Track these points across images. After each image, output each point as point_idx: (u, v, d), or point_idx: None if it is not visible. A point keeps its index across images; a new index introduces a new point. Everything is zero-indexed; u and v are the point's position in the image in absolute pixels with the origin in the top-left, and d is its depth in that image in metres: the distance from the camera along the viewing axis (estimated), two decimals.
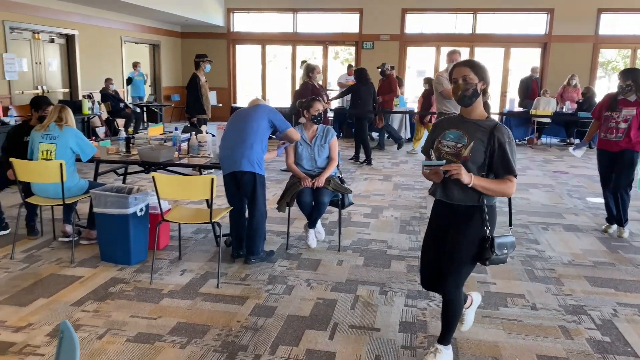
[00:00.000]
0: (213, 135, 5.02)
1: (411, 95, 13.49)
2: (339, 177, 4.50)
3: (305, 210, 4.29)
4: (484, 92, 2.48)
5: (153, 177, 3.61)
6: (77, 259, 4.09)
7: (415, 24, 13.45)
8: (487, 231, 2.49)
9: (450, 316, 2.64)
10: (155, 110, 11.76)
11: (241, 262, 4.10)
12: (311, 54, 14.50)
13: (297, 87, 8.64)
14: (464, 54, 10.73)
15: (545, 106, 10.64)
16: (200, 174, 4.59)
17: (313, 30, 13.91)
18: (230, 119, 4.12)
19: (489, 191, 2.42)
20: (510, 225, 2.71)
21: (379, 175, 7.67)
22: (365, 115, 8.54)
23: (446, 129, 2.56)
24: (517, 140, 10.77)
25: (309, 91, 6.86)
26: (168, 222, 3.79)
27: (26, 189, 4.25)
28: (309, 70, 7.16)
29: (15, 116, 7.63)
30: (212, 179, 3.57)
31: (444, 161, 2.40)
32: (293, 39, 14.08)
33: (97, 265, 3.99)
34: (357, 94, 8.46)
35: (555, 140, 11.63)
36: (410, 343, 2.97)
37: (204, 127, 5.07)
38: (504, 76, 13.37)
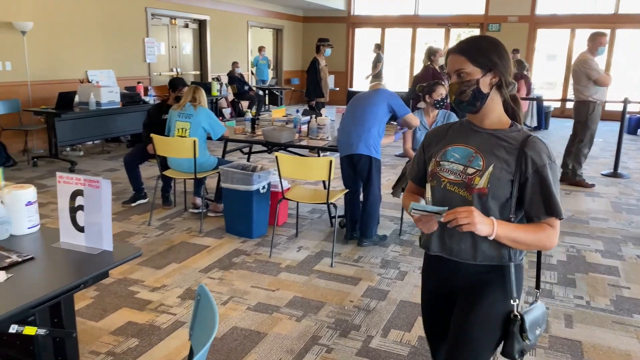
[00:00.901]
0: (332, 120, 5.11)
1: (538, 80, 12.62)
2: None
3: None
4: (500, 86, 1.59)
5: (276, 157, 3.77)
6: (205, 230, 4.42)
7: (548, 4, 12.49)
8: (515, 306, 1.63)
9: None
10: (277, 93, 12.22)
11: (354, 244, 4.16)
12: (431, 37, 14.11)
13: (416, 71, 8.47)
14: None
15: None
16: (319, 155, 4.71)
17: (435, 12, 13.50)
18: (350, 102, 4.16)
19: (521, 245, 1.55)
20: (538, 287, 1.86)
21: None
22: None
23: (448, 144, 1.68)
24: None
25: (429, 75, 6.69)
26: (288, 200, 3.95)
27: (163, 163, 4.66)
28: (431, 53, 6.97)
29: (153, 96, 8.35)
30: (331, 161, 3.64)
31: (446, 208, 1.50)
32: (413, 22, 13.78)
33: (222, 236, 4.28)
34: None
35: None
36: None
37: (323, 111, 5.18)
38: None
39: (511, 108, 1.66)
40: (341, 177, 4.19)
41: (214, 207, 4.82)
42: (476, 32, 13.37)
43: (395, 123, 4.25)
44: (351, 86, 14.48)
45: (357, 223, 4.18)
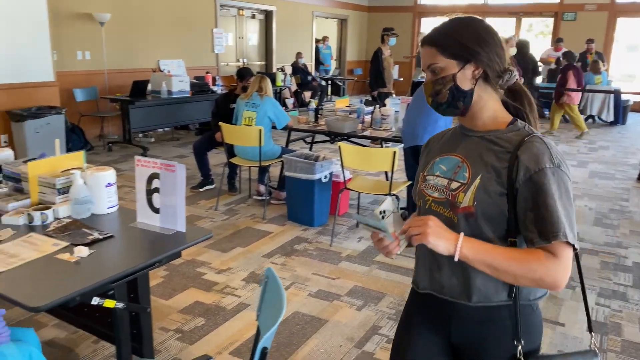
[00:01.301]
0: (396, 111, 5.06)
1: (616, 73, 11.91)
2: None
3: None
4: (487, 77, 1.26)
5: (339, 147, 3.79)
6: (268, 216, 4.52)
7: None
8: (519, 348, 1.26)
9: None
10: (339, 83, 12.23)
11: None
12: (501, 26, 13.61)
13: None
14: None
15: None
16: (381, 146, 4.69)
17: (505, 1, 13.00)
18: (416, 93, 4.10)
19: (504, 273, 1.17)
20: (590, 330, 1.40)
21: (572, 161, 6.98)
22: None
23: (438, 153, 1.38)
24: None
25: None
26: (349, 190, 3.96)
27: (230, 151, 4.79)
28: None
29: (221, 86, 8.59)
30: (394, 152, 3.62)
31: (384, 224, 1.21)
32: (482, 11, 13.34)
33: (284, 223, 4.36)
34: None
35: None
36: (600, 344, 2.71)
37: (387, 101, 5.14)
38: None
39: (512, 103, 1.32)
40: (404, 169, 4.15)
41: (276, 195, 4.91)
42: (550, 21, 12.77)
43: None
44: (416, 77, 14.24)
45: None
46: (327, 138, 5.02)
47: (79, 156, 2.51)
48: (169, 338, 2.67)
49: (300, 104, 11.14)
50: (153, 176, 2.15)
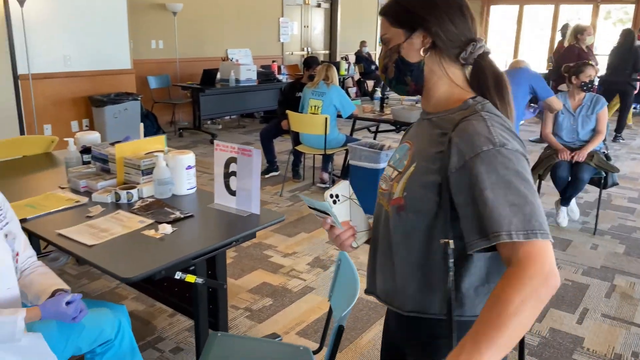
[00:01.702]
0: None
1: None
2: (604, 152, 4.03)
3: (559, 186, 3.98)
4: (436, 46, 1.08)
5: None
6: None
7: None
8: None
9: None
10: None
11: None
12: (575, 14, 12.96)
13: (556, 50, 7.86)
14: None
15: None
16: None
17: None
18: None
19: (507, 338, 0.87)
20: None
21: None
22: (618, 83, 7.16)
23: (400, 142, 1.27)
24: None
25: (574, 55, 6.19)
26: None
27: (296, 138, 4.88)
28: (578, 31, 6.43)
29: (286, 74, 8.71)
30: None
31: (332, 210, 1.13)
32: None
33: None
34: (613, 57, 7.18)
35: None
36: None
37: None
38: None
39: (476, 78, 1.10)
40: None
41: None
42: (630, 8, 12.02)
43: (534, 106, 4.03)
44: None
45: None
46: (392, 127, 5.00)
47: (161, 140, 2.66)
48: (239, 316, 2.79)
49: (363, 93, 11.11)
50: (230, 160, 2.25)
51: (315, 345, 1.97)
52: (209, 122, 8.06)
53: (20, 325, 1.45)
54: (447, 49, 1.08)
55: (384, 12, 1.13)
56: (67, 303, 1.55)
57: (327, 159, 5.05)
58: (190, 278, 1.90)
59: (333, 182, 5.00)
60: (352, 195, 1.19)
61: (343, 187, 1.18)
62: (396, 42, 1.10)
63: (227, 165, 2.26)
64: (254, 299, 2.96)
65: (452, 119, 1.05)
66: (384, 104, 5.11)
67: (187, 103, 7.65)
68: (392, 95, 5.40)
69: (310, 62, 5.39)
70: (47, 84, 5.51)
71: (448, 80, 1.10)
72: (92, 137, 2.80)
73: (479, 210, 0.93)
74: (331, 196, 1.15)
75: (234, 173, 2.25)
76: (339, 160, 5.61)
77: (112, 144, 2.66)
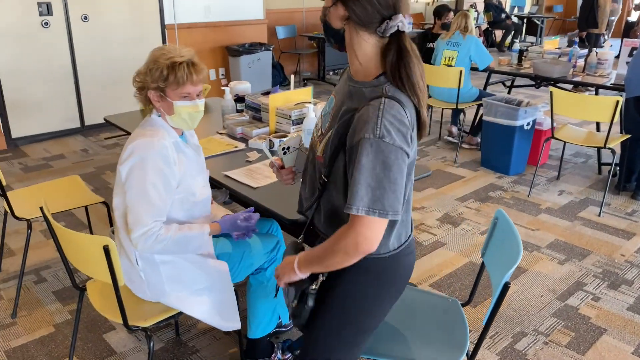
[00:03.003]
0: (616, 56, 4.52)
1: None
2: None
3: None
4: (358, 23, 1.19)
5: (551, 92, 3.56)
6: (460, 161, 4.49)
7: None
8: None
9: None
10: (537, 22, 11.17)
11: (627, 195, 3.77)
12: None
13: None
14: None
15: None
16: (596, 94, 4.28)
17: None
18: None
19: (326, 263, 1.24)
20: None
21: None
22: None
23: (332, 93, 1.40)
24: None
25: None
26: (556, 139, 3.72)
27: None
28: None
29: (411, 23, 8.46)
30: (617, 102, 3.29)
31: (277, 156, 1.55)
32: None
33: (477, 169, 4.31)
34: None
35: None
36: None
37: (607, 44, 4.60)
38: None
39: (384, 53, 1.19)
40: (619, 121, 3.76)
41: (469, 140, 4.83)
42: None
43: None
44: (629, 15, 12.36)
45: (634, 174, 3.75)
46: (531, 82, 4.72)
47: (308, 91, 2.77)
48: None
49: (490, 44, 10.49)
50: None
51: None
52: (331, 72, 8.14)
53: (206, 237, 1.74)
54: (363, 23, 1.17)
55: None
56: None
57: (458, 112, 4.92)
58: None
59: (460, 138, 4.89)
60: (302, 145, 1.53)
61: (294, 141, 1.54)
62: (326, 4, 1.22)
63: None
64: None
65: (362, 93, 1.21)
66: (523, 56, 4.81)
67: (312, 53, 7.77)
68: (533, 48, 5.05)
69: (441, 10, 5.17)
70: (189, 34, 5.88)
71: (364, 52, 1.21)
72: (243, 86, 2.98)
73: (351, 183, 1.16)
74: (283, 149, 1.54)
75: None
76: (469, 114, 5.43)
77: (264, 93, 2.81)
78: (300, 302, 1.33)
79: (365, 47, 1.21)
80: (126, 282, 1.72)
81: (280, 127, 2.62)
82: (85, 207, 2.78)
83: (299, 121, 2.56)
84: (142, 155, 1.60)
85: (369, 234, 1.17)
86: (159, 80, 1.65)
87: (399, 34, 1.18)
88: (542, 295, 2.62)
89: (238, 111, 2.88)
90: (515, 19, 11.02)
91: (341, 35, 1.24)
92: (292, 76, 2.89)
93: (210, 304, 1.79)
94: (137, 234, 1.58)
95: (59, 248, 1.69)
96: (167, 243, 1.62)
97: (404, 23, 1.16)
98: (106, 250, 1.49)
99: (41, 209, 1.67)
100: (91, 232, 3.07)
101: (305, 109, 2.56)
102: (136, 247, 1.61)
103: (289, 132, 2.56)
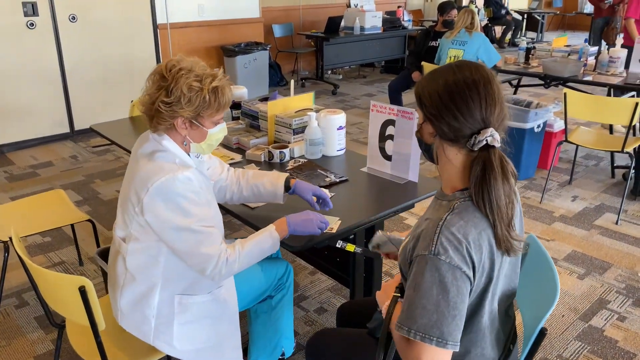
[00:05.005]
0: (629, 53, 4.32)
1: None
2: None
3: None
4: (442, 137, 1.15)
5: (565, 94, 3.37)
6: None
7: None
8: None
9: None
10: (538, 17, 10.98)
11: None
12: None
13: None
14: None
15: None
16: (609, 94, 4.10)
17: None
18: None
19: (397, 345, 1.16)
20: None
21: None
22: None
23: None
24: None
25: None
26: (569, 143, 3.53)
27: None
28: None
29: (410, 20, 8.25)
30: (636, 104, 3.10)
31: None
32: None
33: None
34: None
35: None
36: None
37: (618, 40, 4.40)
38: None
39: (471, 167, 1.13)
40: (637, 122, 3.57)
41: None
42: None
43: None
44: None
45: None
46: (540, 82, 4.52)
47: (309, 97, 2.57)
48: None
49: (491, 40, 10.29)
50: (388, 122, 2.10)
51: None
52: (329, 72, 7.93)
53: (274, 235, 1.53)
54: (451, 139, 1.14)
55: (416, 91, 1.20)
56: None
57: None
58: (350, 247, 1.81)
59: None
60: (387, 236, 1.55)
61: (379, 238, 1.56)
62: (419, 121, 1.22)
63: (383, 127, 2.12)
64: (392, 263, 2.87)
65: (438, 207, 1.18)
66: (530, 55, 4.61)
67: (310, 52, 7.56)
68: (541, 46, 4.85)
69: (445, 6, 4.97)
70: (183, 34, 5.67)
71: (451, 166, 1.18)
72: (240, 92, 2.78)
73: (404, 301, 1.10)
74: (372, 247, 1.59)
75: (390, 136, 2.10)
76: None
77: (261, 100, 2.61)
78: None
79: (453, 161, 1.17)
80: (116, 314, 1.53)
81: (279, 136, 2.42)
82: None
83: (301, 130, 2.37)
84: (168, 196, 1.38)
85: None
86: (201, 108, 1.43)
87: (488, 148, 1.11)
88: (563, 315, 2.43)
89: (234, 119, 2.68)
90: (515, 15, 10.83)
91: (432, 150, 1.21)
92: (292, 81, 2.69)
93: (210, 348, 1.60)
94: (209, 272, 1.43)
95: (33, 284, 1.50)
96: (240, 260, 1.47)
97: (494, 137, 1.10)
98: (82, 291, 1.29)
99: (11, 239, 1.47)
100: (78, 250, 2.87)
101: (306, 116, 2.37)
102: (217, 281, 1.49)
103: (289, 142, 2.36)
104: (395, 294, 1.26)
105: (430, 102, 1.14)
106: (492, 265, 1.11)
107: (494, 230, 1.10)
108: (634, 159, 3.34)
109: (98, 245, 2.53)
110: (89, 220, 2.41)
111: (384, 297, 1.32)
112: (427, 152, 1.23)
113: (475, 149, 1.12)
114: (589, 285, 2.67)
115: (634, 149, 3.45)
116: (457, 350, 1.07)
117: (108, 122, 2.88)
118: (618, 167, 4.05)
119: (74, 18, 4.72)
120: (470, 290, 1.09)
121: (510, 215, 1.11)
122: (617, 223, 3.29)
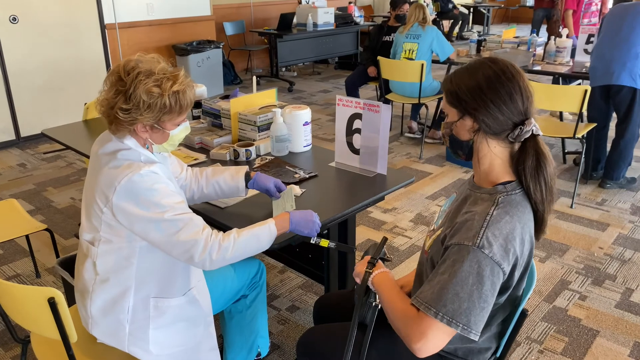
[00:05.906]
0: (574, 43, 4.51)
1: None
2: None
3: None
4: (485, 131, 1.17)
5: None
6: (424, 156, 4.37)
7: None
8: None
9: None
10: (483, 11, 11.29)
11: (594, 184, 3.75)
12: None
13: None
14: None
15: None
16: (558, 83, 4.26)
17: None
18: (607, 19, 3.56)
19: (385, 307, 1.25)
20: None
21: None
22: None
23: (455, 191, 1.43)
24: None
25: None
26: None
27: (385, 86, 4.64)
28: None
29: (362, 16, 8.30)
30: (585, 91, 3.23)
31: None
32: None
33: (443, 164, 4.20)
34: None
35: None
36: None
37: (564, 31, 4.57)
38: None
39: (518, 158, 1.17)
40: (586, 110, 3.73)
41: (432, 134, 4.73)
42: None
43: None
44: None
45: (600, 162, 3.74)
46: None
47: (272, 94, 2.54)
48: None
49: None
50: (355, 116, 2.10)
51: None
52: (283, 69, 7.90)
53: (272, 229, 1.49)
54: (494, 132, 1.17)
55: (444, 88, 1.23)
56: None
57: (417, 107, 4.80)
58: (324, 243, 1.80)
59: (422, 132, 4.77)
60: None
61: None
62: (451, 119, 1.22)
63: (350, 121, 2.12)
64: (359, 256, 2.87)
65: (477, 199, 1.19)
66: (482, 47, 4.74)
67: (263, 50, 7.50)
68: (491, 38, 4.99)
69: (397, 1, 5.03)
70: (132, 33, 5.49)
71: (491, 159, 1.20)
72: (200, 90, 2.71)
73: (434, 283, 1.13)
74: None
75: (357, 130, 2.10)
76: (430, 108, 5.33)
77: (222, 97, 2.56)
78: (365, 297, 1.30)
79: (495, 155, 1.20)
80: (86, 323, 1.46)
81: (244, 134, 2.38)
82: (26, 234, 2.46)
83: (266, 127, 2.33)
84: (137, 192, 1.32)
85: (439, 344, 1.13)
86: (162, 113, 1.37)
87: (534, 137, 1.15)
88: (529, 298, 2.51)
89: (194, 118, 2.61)
90: (462, 9, 11.10)
91: (470, 146, 1.21)
92: (255, 77, 2.65)
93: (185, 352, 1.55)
94: (197, 258, 1.36)
95: None
96: (235, 247, 1.41)
97: (537, 127, 1.15)
98: (52, 303, 1.22)
99: None
100: (34, 261, 2.74)
101: (271, 113, 2.34)
102: (209, 267, 1.39)
103: (254, 140, 2.32)
104: (367, 270, 1.31)
105: (471, 96, 1.15)
106: (530, 255, 1.19)
107: (537, 217, 1.17)
108: (584, 145, 3.47)
109: (57, 256, 2.42)
110: (46, 230, 2.30)
111: (359, 275, 1.36)
112: (462, 149, 1.23)
113: (520, 140, 1.15)
114: (550, 267, 2.76)
115: (583, 135, 3.60)
116: (477, 340, 1.12)
117: (60, 126, 2.75)
118: (569, 152, 4.22)
119: (14, 19, 4.49)
120: (503, 285, 1.14)
121: (554, 197, 1.20)
122: (571, 207, 3.42)
